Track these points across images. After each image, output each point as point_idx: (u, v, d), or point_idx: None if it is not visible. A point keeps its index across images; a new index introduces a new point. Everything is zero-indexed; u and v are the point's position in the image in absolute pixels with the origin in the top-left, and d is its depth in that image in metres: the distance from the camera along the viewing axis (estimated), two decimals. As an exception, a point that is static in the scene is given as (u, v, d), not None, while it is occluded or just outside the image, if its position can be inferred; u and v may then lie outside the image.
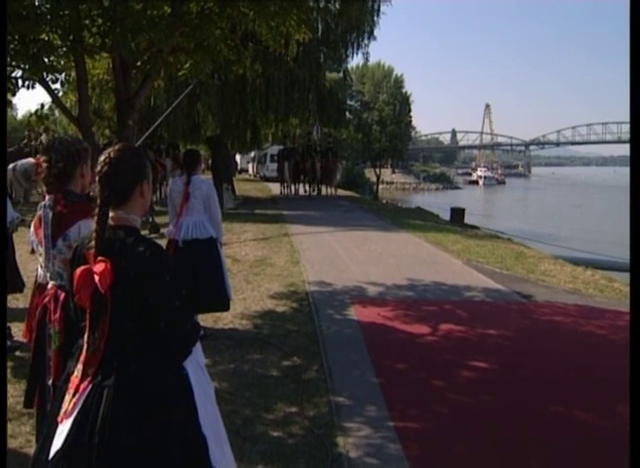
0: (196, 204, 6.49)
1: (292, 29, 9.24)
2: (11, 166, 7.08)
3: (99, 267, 2.24)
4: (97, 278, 2.23)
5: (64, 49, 6.89)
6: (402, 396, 5.13)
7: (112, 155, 2.42)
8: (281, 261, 11.37)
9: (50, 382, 3.14)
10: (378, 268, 10.84)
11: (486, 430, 4.64)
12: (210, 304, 6.66)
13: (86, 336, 2.42)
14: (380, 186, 48.39)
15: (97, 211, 2.36)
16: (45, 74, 7.09)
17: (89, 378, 2.37)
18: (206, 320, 7.14)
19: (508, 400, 5.16)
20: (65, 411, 2.34)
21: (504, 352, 6.42)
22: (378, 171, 42.91)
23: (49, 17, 6.29)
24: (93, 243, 2.34)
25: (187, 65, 8.22)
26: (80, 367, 2.41)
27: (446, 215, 24.98)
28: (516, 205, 63.81)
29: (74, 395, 2.36)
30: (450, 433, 4.55)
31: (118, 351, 2.38)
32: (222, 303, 6.76)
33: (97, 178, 2.39)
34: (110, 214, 2.40)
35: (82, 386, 2.37)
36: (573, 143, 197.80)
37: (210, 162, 28.55)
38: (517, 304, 8.56)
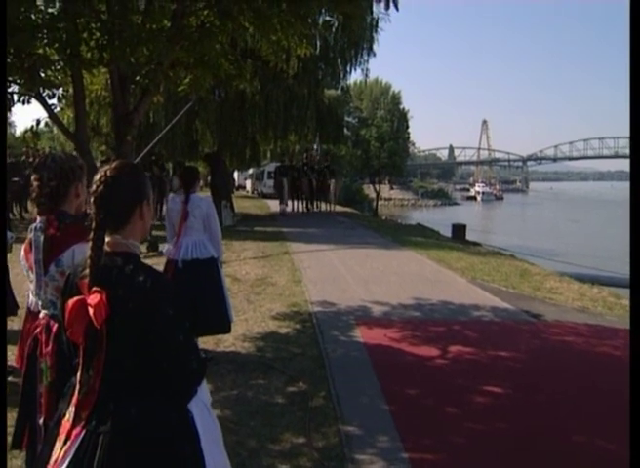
0: (195, 223, 6.27)
1: (293, 44, 9.07)
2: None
3: (93, 299, 1.98)
4: (91, 311, 1.97)
5: (61, 63, 6.69)
6: (415, 424, 4.88)
7: (109, 173, 2.18)
8: (282, 280, 11.13)
9: (41, 421, 2.87)
10: (381, 287, 10.60)
11: (503, 461, 4.39)
12: (210, 327, 6.43)
13: (79, 375, 2.15)
14: (379, 202, 48.24)
15: (91, 235, 2.11)
16: (41, 89, 6.89)
17: (82, 423, 2.10)
18: (207, 343, 6.91)
19: (525, 427, 4.91)
20: (56, 461, 2.07)
21: (517, 375, 6.17)
22: (377, 187, 42.70)
23: (45, 30, 6.10)
24: (87, 271, 2.09)
25: (187, 80, 8.03)
26: (72, 409, 2.14)
27: (446, 232, 24.78)
28: (515, 220, 63.67)
29: (65, 442, 2.09)
30: (466, 464, 4.30)
31: (115, 393, 2.12)
32: (224, 326, 6.52)
33: (91, 199, 2.15)
34: (107, 239, 2.15)
35: (74, 432, 2.10)
36: (570, 158, 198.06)
37: (209, 179, 28.35)
38: (527, 324, 8.32)
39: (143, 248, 14.50)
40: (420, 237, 20.14)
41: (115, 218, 2.17)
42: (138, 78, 7.29)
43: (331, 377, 5.91)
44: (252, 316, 8.49)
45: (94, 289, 2.03)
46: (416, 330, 7.71)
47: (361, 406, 5.24)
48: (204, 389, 2.37)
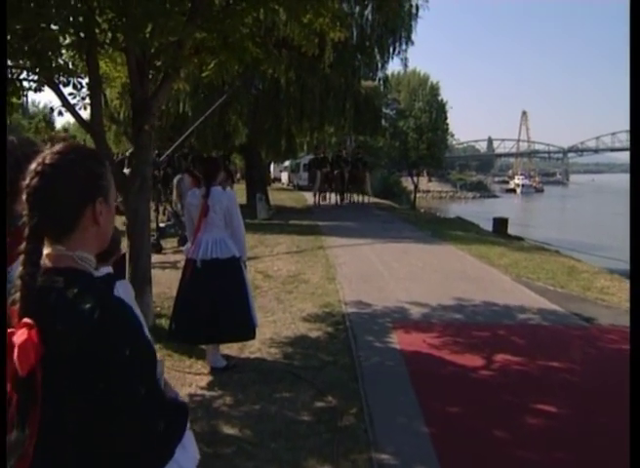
0: (216, 219, 5.71)
1: (326, 27, 8.48)
2: None
3: (20, 336, 1.39)
4: (15, 353, 1.39)
5: (71, 45, 6.18)
6: (458, 452, 4.26)
7: (48, 160, 1.56)
8: (316, 277, 10.57)
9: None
10: (420, 285, 9.98)
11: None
12: (233, 334, 5.90)
13: (14, 434, 1.53)
14: (417, 195, 47.44)
15: (23, 246, 1.52)
16: (57, 76, 6.41)
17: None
18: (231, 348, 6.42)
19: (589, 458, 4.27)
20: None
21: (574, 391, 5.51)
22: (415, 179, 41.87)
23: (54, 9, 5.58)
24: (17, 295, 1.48)
25: (212, 66, 7.48)
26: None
27: (486, 225, 24.01)
28: (556, 214, 62.33)
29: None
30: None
31: (53, 460, 1.50)
32: (248, 332, 5.97)
33: (24, 196, 1.57)
34: (46, 251, 1.55)
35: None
36: (612, 150, 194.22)
37: (244, 172, 27.99)
38: (579, 329, 7.63)
39: (174, 242, 14.07)
40: (459, 231, 19.42)
41: (56, 223, 1.56)
42: (157, 63, 6.77)
43: (363, 391, 5.31)
44: (281, 317, 7.95)
45: (23, 321, 1.44)
46: (457, 335, 7.08)
47: (397, 427, 4.62)
48: (187, 445, 1.75)
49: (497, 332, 7.28)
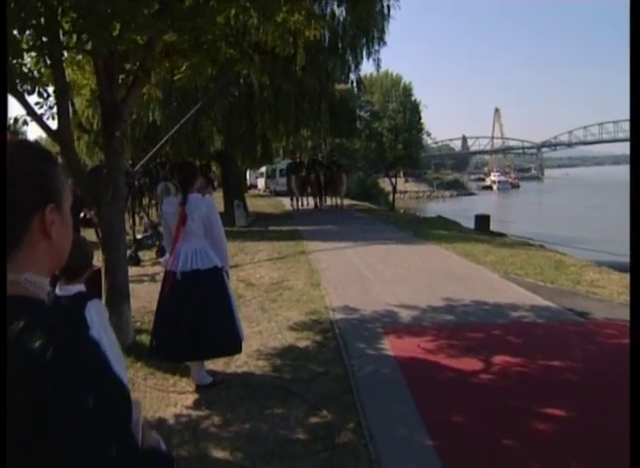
0: (195, 227, 5.40)
1: (300, 26, 8.21)
2: None
3: None
4: None
5: (34, 48, 5.84)
6: (468, 466, 3.98)
7: None
8: (300, 284, 10.27)
9: None
10: (407, 287, 9.72)
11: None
12: (218, 349, 5.58)
13: None
14: (395, 196, 47.34)
15: None
16: (20, 84, 6.06)
17: None
18: (216, 362, 6.09)
19: (603, 464, 4.00)
20: None
21: (579, 391, 5.26)
22: (393, 180, 41.70)
23: (13, 13, 5.25)
24: None
25: (184, 68, 7.16)
26: None
27: (467, 223, 23.88)
28: (534, 208, 62.56)
29: None
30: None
31: None
32: (233, 346, 5.65)
33: None
34: None
35: None
36: (585, 143, 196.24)
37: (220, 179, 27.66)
38: (575, 325, 7.40)
39: (152, 254, 13.68)
40: (442, 230, 19.21)
41: None
42: (127, 66, 6.45)
43: (360, 403, 5.01)
44: (267, 327, 7.64)
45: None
46: (452, 337, 6.81)
47: (399, 441, 4.32)
48: None
49: (491, 333, 7.03)
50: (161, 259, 6.19)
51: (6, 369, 1.06)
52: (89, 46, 5.92)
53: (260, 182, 52.44)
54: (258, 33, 20.86)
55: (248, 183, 51.19)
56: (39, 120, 6.31)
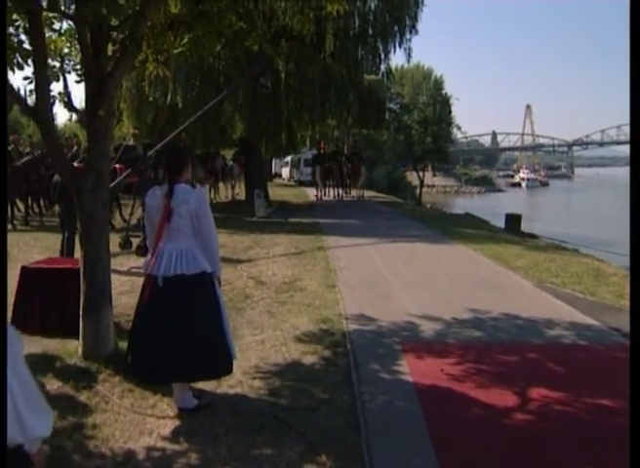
0: (182, 224, 4.53)
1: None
2: None
3: None
4: None
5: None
6: None
7: None
8: (314, 284, 9.41)
9: None
10: (431, 293, 8.81)
11: None
12: (205, 370, 4.70)
13: None
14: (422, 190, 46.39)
15: None
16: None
17: None
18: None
19: None
20: None
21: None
22: (421, 174, 40.60)
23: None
24: None
25: (185, 40, 6.29)
26: None
27: (495, 221, 22.95)
28: (564, 208, 61.21)
29: None
30: None
31: None
32: (222, 367, 4.77)
33: None
34: None
35: None
36: (618, 143, 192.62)
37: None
38: (622, 350, 6.40)
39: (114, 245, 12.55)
40: (469, 228, 18.24)
41: None
42: (117, 36, 5.60)
43: (367, 448, 4.10)
44: (271, 336, 6.79)
45: None
46: (480, 360, 5.89)
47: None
48: None
49: (526, 356, 6.09)
50: (142, 260, 5.33)
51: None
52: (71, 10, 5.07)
53: (285, 171, 52.15)
54: (284, 17, 20.17)
55: (273, 172, 50.65)
56: (15, 95, 5.48)
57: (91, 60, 5.44)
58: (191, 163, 4.98)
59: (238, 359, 5.85)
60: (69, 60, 6.74)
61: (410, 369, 5.60)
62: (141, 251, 11.93)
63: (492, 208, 48.15)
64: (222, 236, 14.76)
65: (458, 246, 13.82)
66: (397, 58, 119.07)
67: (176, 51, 6.37)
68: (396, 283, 9.50)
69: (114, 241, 12.69)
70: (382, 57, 24.43)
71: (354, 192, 28.73)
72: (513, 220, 19.45)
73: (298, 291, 9.02)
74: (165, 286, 4.51)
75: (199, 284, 4.56)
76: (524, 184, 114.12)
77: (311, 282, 9.60)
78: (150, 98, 20.09)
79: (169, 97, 20.10)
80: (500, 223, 21.74)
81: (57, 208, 12.40)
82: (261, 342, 6.55)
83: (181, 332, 4.49)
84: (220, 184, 27.44)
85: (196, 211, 4.51)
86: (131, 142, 16.34)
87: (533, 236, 18.34)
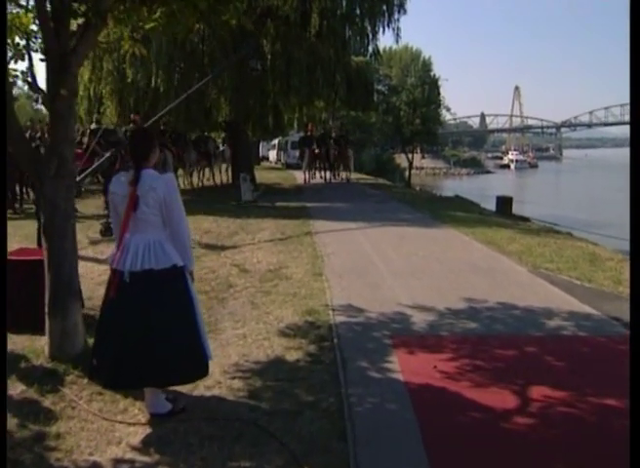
0: (149, 214, 4.11)
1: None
2: None
3: None
4: None
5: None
6: None
7: None
8: (300, 272, 9.02)
9: None
10: (422, 281, 8.44)
11: None
12: (177, 373, 4.28)
13: None
14: (411, 172, 45.99)
15: None
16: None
17: None
18: (181, 380, 4.81)
19: None
20: None
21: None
22: (410, 156, 40.11)
23: None
24: None
25: (158, 14, 5.84)
26: None
27: (486, 203, 22.62)
28: (554, 189, 61.10)
29: None
30: None
31: None
32: (197, 369, 4.35)
33: None
34: None
35: None
36: (606, 124, 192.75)
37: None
38: (625, 341, 6.04)
39: (95, 232, 12.14)
40: (460, 211, 17.87)
41: None
42: (79, 9, 5.14)
43: (354, 459, 3.72)
44: (253, 329, 6.40)
45: None
46: (476, 355, 5.51)
47: None
48: None
49: (525, 350, 5.72)
50: (107, 255, 4.89)
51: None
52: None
53: (272, 155, 52.12)
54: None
55: (260, 155, 50.27)
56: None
57: (52, 36, 4.99)
58: (162, 145, 4.56)
59: (218, 355, 5.51)
60: (36, 38, 6.29)
61: (401, 366, 5.21)
62: (106, 230, 11.38)
63: (481, 190, 47.88)
64: (207, 221, 14.40)
65: (449, 230, 13.45)
66: (386, 40, 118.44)
67: (148, 26, 5.91)
68: (386, 270, 9.12)
69: (96, 228, 12.34)
70: (370, 37, 23.92)
71: (342, 175, 28.47)
72: (504, 203, 19.10)
73: (283, 279, 8.63)
74: (132, 282, 4.09)
75: (170, 279, 4.14)
76: (513, 166, 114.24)
77: (297, 269, 9.21)
78: (130, 80, 19.53)
79: (152, 79, 19.56)
80: (491, 206, 21.41)
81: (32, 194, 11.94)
82: (243, 336, 6.16)
83: (151, 333, 4.09)
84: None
85: (165, 198, 4.09)
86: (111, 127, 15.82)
87: (525, 219, 18.01)
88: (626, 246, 12.50)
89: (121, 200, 4.18)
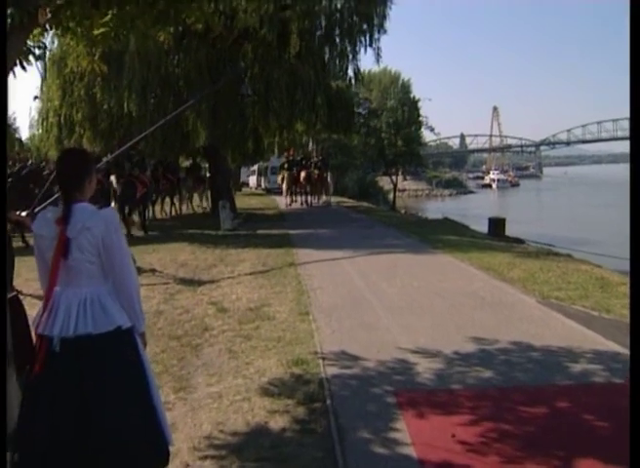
0: (84, 261, 3.14)
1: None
2: None
3: None
4: None
5: None
6: None
7: None
8: (283, 311, 8.07)
9: None
10: (422, 318, 7.50)
11: None
12: (126, 462, 3.29)
13: None
14: (392, 194, 45.28)
15: None
16: None
17: None
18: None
19: None
20: None
21: None
22: (395, 178, 39.23)
23: None
24: None
25: (109, 17, 4.92)
26: None
27: (475, 225, 21.85)
28: (538, 207, 60.46)
29: None
30: None
31: None
32: (154, 460, 3.37)
33: None
34: None
35: None
36: (584, 142, 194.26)
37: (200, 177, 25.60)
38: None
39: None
40: (451, 235, 17.00)
41: None
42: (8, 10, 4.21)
43: None
44: (230, 386, 5.41)
45: None
46: (499, 415, 4.54)
47: None
48: None
49: (556, 406, 4.76)
50: (34, 316, 3.85)
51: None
52: None
53: (252, 180, 52.75)
54: (246, 17, 18.90)
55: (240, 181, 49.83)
56: None
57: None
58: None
59: (187, 424, 4.59)
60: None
61: (411, 436, 4.22)
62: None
63: (465, 210, 47.25)
64: (184, 253, 13.46)
65: (442, 256, 12.55)
66: (365, 61, 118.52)
67: (97, 31, 4.98)
68: (380, 306, 8.17)
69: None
70: (351, 58, 23.12)
71: (322, 198, 28.42)
72: (497, 225, 18.25)
73: (265, 319, 7.66)
74: (64, 351, 3.11)
75: (113, 346, 3.16)
76: (495, 185, 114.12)
77: (281, 307, 8.25)
78: (104, 105, 18.62)
79: (125, 104, 18.64)
80: (479, 227, 20.67)
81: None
82: (219, 396, 5.17)
83: (90, 419, 3.10)
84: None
85: (103, 240, 3.12)
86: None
87: (519, 241, 17.16)
88: (617, 264, 11.57)
89: (48, 244, 3.20)
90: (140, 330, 3.35)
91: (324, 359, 5.99)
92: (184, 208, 25.80)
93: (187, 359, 6.28)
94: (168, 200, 24.46)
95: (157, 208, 24.07)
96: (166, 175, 22.68)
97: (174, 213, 24.59)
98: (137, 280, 3.34)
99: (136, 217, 18.28)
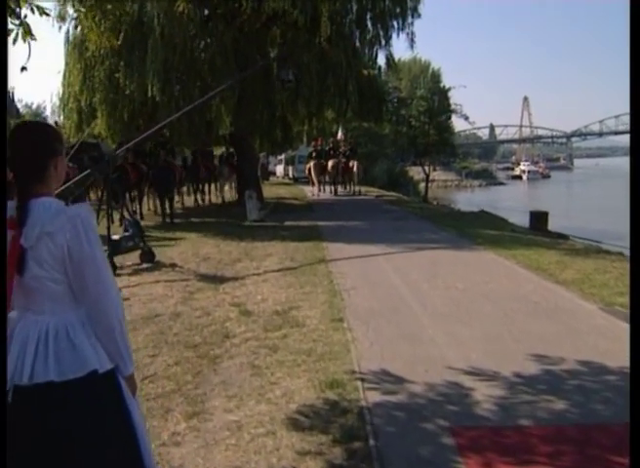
0: (46, 279, 2.26)
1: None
2: None
3: None
4: None
5: None
6: None
7: None
8: (314, 315, 7.20)
9: None
10: (471, 328, 6.57)
11: None
12: None
13: None
14: (422, 185, 44.11)
15: None
16: None
17: None
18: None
19: None
20: None
21: None
22: (427, 168, 38.03)
23: None
24: None
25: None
26: None
27: (511, 217, 20.91)
28: (573, 200, 58.92)
29: None
30: None
31: None
32: None
33: None
34: None
35: None
36: (616, 133, 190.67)
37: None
38: None
39: (136, 258, 10.76)
40: (489, 229, 15.99)
41: None
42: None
43: None
44: (252, 415, 4.53)
45: None
46: (586, 464, 3.64)
47: None
48: None
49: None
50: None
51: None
52: None
53: (279, 169, 52.35)
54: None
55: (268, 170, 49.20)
56: None
57: None
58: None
59: (198, 466, 3.69)
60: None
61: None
62: (145, 256, 10.85)
63: (496, 201, 45.91)
64: (207, 245, 12.69)
65: (484, 253, 11.58)
66: (397, 49, 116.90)
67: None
68: (423, 312, 7.26)
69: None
70: (383, 43, 22.05)
71: (349, 188, 28.39)
72: (539, 219, 17.17)
73: (293, 326, 6.79)
74: (18, 403, 2.25)
75: (85, 399, 2.29)
76: (525, 177, 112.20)
77: (311, 312, 7.37)
78: (126, 91, 17.81)
79: (149, 90, 17.80)
80: (515, 219, 19.67)
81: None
82: (238, 428, 4.30)
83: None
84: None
85: (70, 251, 2.24)
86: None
87: (563, 236, 16.07)
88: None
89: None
90: (126, 372, 2.46)
91: (363, 380, 5.09)
92: (215, 198, 25.96)
93: (204, 374, 5.44)
94: (206, 189, 25.08)
95: (189, 198, 24.26)
96: (206, 164, 22.73)
97: (207, 202, 24.94)
98: (119, 304, 2.41)
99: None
